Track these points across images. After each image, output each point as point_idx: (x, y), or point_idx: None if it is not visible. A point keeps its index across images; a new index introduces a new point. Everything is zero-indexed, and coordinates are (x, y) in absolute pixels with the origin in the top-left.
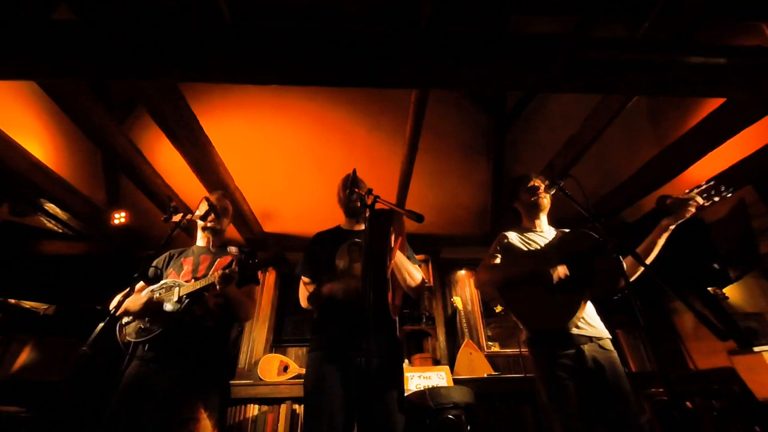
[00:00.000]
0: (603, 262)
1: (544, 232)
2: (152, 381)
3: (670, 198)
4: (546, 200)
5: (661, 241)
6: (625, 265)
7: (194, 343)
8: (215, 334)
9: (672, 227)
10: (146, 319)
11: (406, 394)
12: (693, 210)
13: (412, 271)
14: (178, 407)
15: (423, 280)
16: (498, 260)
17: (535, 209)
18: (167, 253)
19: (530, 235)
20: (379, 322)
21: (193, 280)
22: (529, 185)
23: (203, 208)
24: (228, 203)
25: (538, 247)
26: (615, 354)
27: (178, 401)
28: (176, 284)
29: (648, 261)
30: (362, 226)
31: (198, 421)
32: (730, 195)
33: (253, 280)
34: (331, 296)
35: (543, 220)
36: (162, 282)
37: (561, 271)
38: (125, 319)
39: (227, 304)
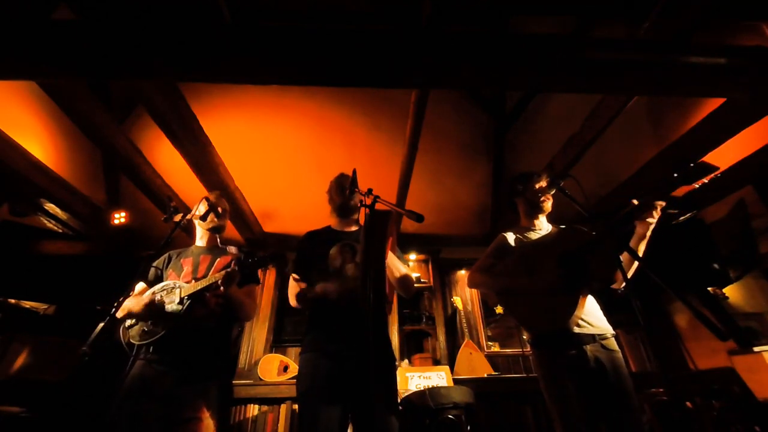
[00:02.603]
0: (599, 260)
1: (542, 230)
2: (155, 382)
3: (635, 202)
4: (551, 203)
5: (642, 247)
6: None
7: (197, 344)
8: (217, 333)
9: (648, 233)
10: (149, 321)
11: (406, 394)
12: (655, 212)
13: (402, 270)
14: (182, 407)
15: (409, 276)
16: (491, 263)
17: (537, 210)
18: (166, 254)
19: (530, 234)
20: (375, 322)
21: (193, 281)
22: (537, 186)
23: (203, 208)
24: (225, 203)
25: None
26: (618, 353)
27: (182, 401)
28: (177, 285)
29: (629, 273)
30: (354, 227)
31: (201, 421)
32: (706, 180)
33: (254, 280)
34: (323, 298)
35: (542, 219)
36: (163, 284)
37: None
38: (128, 322)
39: (228, 304)
